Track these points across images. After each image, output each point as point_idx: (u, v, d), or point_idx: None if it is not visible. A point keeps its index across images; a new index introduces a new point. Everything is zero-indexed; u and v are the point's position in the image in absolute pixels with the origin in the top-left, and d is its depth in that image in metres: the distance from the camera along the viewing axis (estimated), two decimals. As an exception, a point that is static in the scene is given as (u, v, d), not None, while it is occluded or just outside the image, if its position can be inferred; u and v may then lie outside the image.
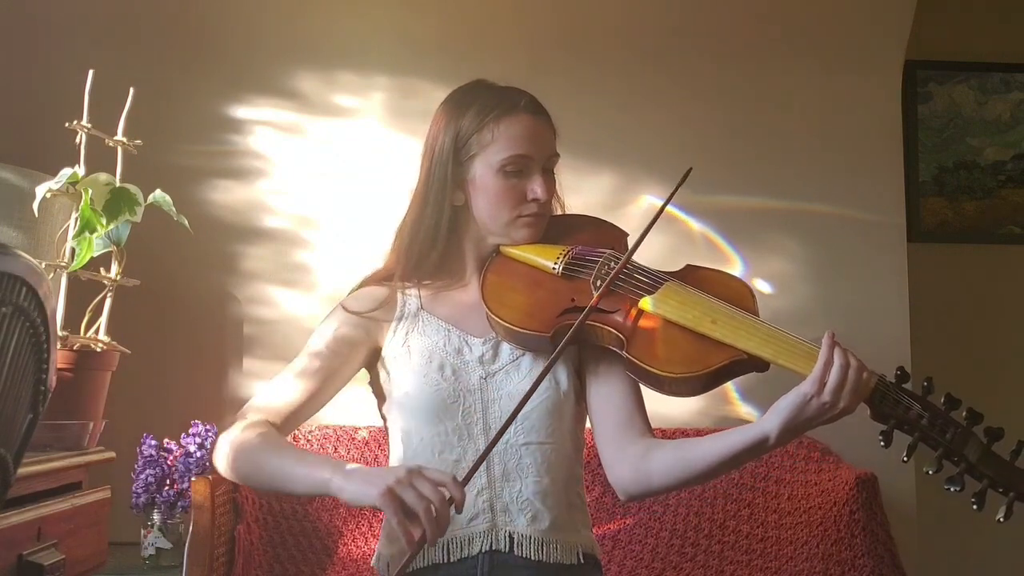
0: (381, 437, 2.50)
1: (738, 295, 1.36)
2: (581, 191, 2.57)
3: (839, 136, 2.89)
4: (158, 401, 2.59)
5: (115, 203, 1.76)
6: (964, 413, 1.22)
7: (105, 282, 1.80)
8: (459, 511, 1.18)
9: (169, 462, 2.26)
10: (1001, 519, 1.19)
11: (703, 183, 2.79)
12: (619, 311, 1.35)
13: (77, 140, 1.79)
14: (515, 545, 1.36)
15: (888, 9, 2.90)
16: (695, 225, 2.81)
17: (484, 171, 1.41)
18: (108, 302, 1.80)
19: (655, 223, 1.40)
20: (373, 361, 1.47)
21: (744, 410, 2.73)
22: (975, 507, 1.19)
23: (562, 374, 1.41)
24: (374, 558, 1.46)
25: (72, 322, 1.76)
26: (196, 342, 2.72)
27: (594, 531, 1.52)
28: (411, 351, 1.42)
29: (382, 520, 1.63)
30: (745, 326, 1.29)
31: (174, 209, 1.86)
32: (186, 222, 1.89)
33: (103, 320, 1.79)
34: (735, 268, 2.79)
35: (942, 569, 3.02)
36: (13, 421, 1.02)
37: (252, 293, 2.75)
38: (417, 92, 2.77)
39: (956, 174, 3.34)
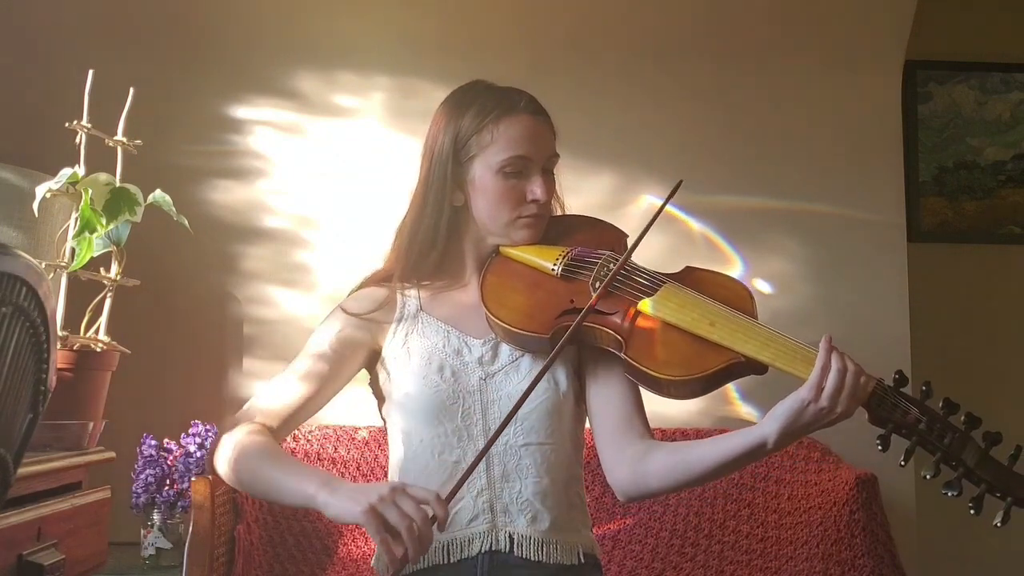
0: (381, 437, 2.50)
1: (737, 297, 1.36)
2: (581, 191, 2.57)
3: (839, 136, 2.89)
4: (158, 401, 2.59)
5: (115, 203, 1.76)
6: (963, 417, 1.22)
7: (105, 282, 1.80)
8: (441, 529, 1.19)
9: (169, 462, 2.26)
10: (998, 524, 1.19)
11: (703, 183, 2.82)
12: (618, 313, 1.35)
13: (77, 140, 1.79)
14: (515, 546, 1.36)
15: (888, 9, 2.90)
16: (695, 225, 2.81)
17: (483, 172, 1.41)
18: (108, 302, 1.80)
19: (650, 228, 1.39)
20: (373, 362, 1.47)
21: (744, 410, 2.73)
22: (972, 512, 1.19)
23: (561, 375, 1.41)
24: (374, 558, 1.46)
25: (72, 322, 1.76)
26: (196, 342, 2.73)
27: (594, 531, 1.52)
28: (411, 352, 1.42)
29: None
30: (743, 329, 1.29)
31: (174, 209, 1.86)
32: (186, 222, 1.89)
33: (103, 320, 1.79)
34: (735, 268, 2.80)
35: (942, 569, 3.02)
36: (13, 421, 1.02)
37: (252, 293, 2.75)
38: (417, 92, 2.77)
39: (956, 174, 3.34)
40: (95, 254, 1.76)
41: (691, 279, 1.39)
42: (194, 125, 2.77)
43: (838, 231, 2.85)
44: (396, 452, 1.44)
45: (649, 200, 2.80)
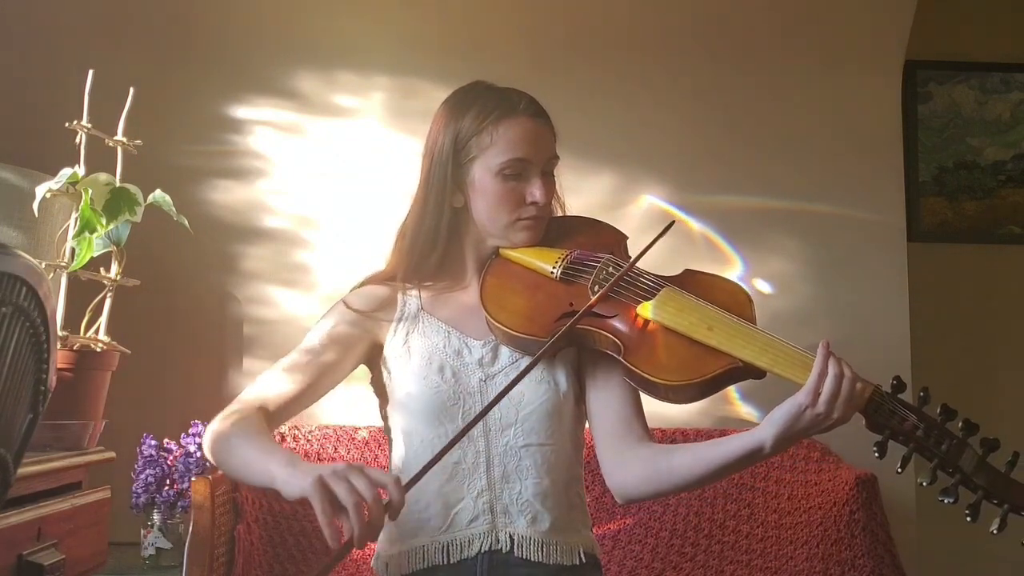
0: (381, 437, 2.50)
1: (736, 302, 1.36)
2: (581, 191, 2.58)
3: (839, 136, 2.89)
4: (158, 401, 2.59)
5: (115, 203, 1.77)
6: (960, 424, 1.22)
7: (105, 282, 1.81)
8: (393, 518, 1.10)
9: (169, 462, 2.26)
10: (995, 531, 1.19)
11: (703, 183, 2.83)
12: (616, 316, 1.35)
13: (77, 140, 1.79)
14: (515, 546, 1.36)
15: (888, 9, 2.90)
16: (695, 225, 2.80)
17: (483, 174, 1.41)
18: (108, 302, 1.80)
19: (649, 249, 1.39)
20: (373, 359, 1.47)
21: (744, 410, 2.73)
22: (969, 519, 1.19)
23: (561, 376, 1.41)
24: (374, 559, 1.46)
25: (72, 322, 1.76)
26: (196, 342, 2.72)
27: (594, 531, 1.52)
28: (411, 352, 1.42)
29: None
30: (742, 334, 1.29)
31: (174, 209, 1.87)
32: (186, 222, 1.89)
33: (103, 320, 1.80)
34: (735, 268, 2.80)
35: (942, 569, 3.02)
36: (13, 421, 1.02)
37: (252, 293, 2.75)
38: (417, 92, 2.77)
39: (956, 174, 3.34)
40: (95, 254, 1.77)
41: (690, 282, 1.39)
42: (194, 125, 2.77)
43: (838, 231, 2.85)
44: (397, 452, 1.44)
45: (649, 200, 2.80)
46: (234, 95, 2.79)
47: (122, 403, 2.00)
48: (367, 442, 2.55)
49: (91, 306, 1.80)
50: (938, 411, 1.22)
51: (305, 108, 2.80)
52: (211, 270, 2.73)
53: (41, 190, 1.71)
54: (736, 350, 1.28)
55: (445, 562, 1.36)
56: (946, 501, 1.20)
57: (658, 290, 1.36)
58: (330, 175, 2.79)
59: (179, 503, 2.23)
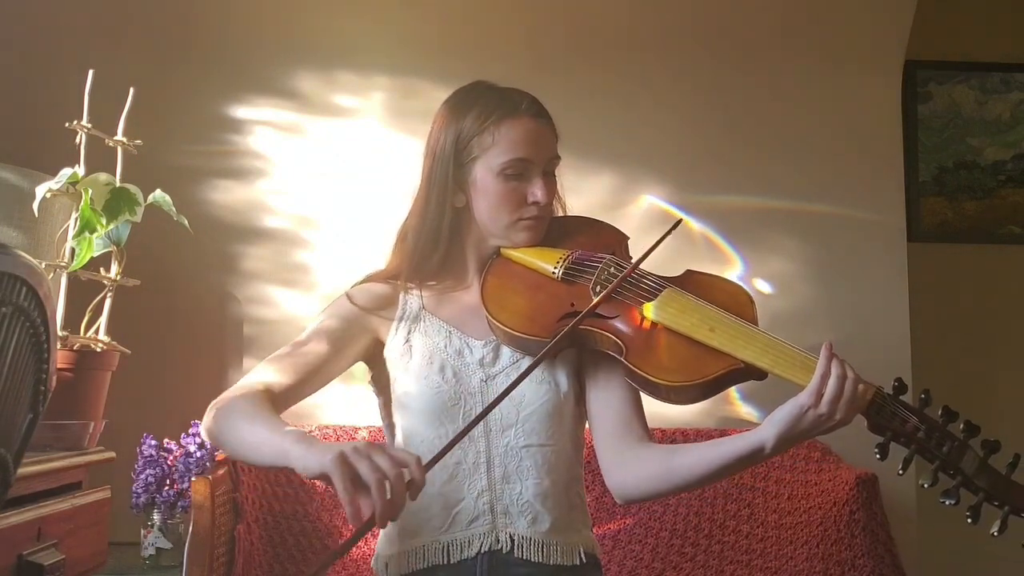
0: (381, 437, 2.49)
1: (737, 302, 1.36)
2: (581, 191, 2.58)
3: (839, 136, 2.89)
4: (158, 401, 2.58)
5: (115, 203, 1.77)
6: (961, 425, 1.22)
7: (105, 282, 1.81)
8: (413, 498, 1.07)
9: (169, 462, 2.26)
10: (995, 533, 1.19)
11: (703, 183, 2.83)
12: (618, 317, 1.35)
13: (77, 140, 1.79)
14: (515, 546, 1.36)
15: (888, 9, 2.90)
16: (695, 225, 2.80)
17: (484, 174, 1.41)
18: (108, 302, 1.81)
19: (651, 252, 1.40)
20: (373, 356, 1.47)
21: (745, 411, 2.73)
22: (970, 521, 1.19)
23: (562, 376, 1.41)
24: (374, 559, 1.46)
25: (72, 322, 1.76)
26: (196, 342, 2.72)
27: (594, 531, 1.52)
28: (412, 351, 1.42)
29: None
30: (743, 335, 1.29)
31: (174, 209, 1.87)
32: (186, 222, 1.89)
33: (103, 320, 1.80)
34: (735, 268, 2.80)
35: (943, 569, 3.02)
36: (13, 421, 1.02)
37: (252, 293, 2.75)
38: (417, 92, 2.77)
39: (956, 174, 3.34)
40: (95, 254, 1.77)
41: (691, 283, 1.39)
42: (194, 125, 2.77)
43: (838, 231, 2.85)
44: (397, 452, 1.44)
45: (649, 200, 2.80)
46: (234, 95, 2.79)
47: (122, 403, 2.00)
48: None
49: (91, 306, 1.80)
50: (940, 413, 1.22)
51: (305, 108, 2.80)
52: (211, 270, 2.73)
53: (41, 190, 1.71)
54: (738, 351, 1.27)
55: (445, 562, 1.36)
56: (947, 503, 1.20)
57: (659, 291, 1.36)
58: (330, 175, 2.79)
59: (179, 503, 2.23)
